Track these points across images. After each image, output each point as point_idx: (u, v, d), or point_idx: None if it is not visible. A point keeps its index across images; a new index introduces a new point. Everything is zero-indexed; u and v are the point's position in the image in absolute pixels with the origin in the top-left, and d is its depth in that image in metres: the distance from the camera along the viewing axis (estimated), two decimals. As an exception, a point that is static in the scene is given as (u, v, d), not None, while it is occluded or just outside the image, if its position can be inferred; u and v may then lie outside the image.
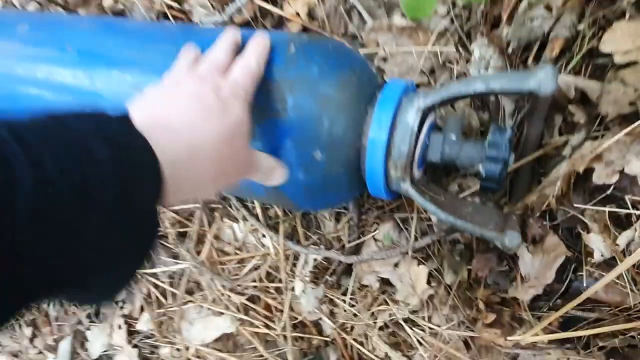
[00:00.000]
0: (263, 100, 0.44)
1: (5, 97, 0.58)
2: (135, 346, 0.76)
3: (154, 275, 0.73)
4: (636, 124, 0.43)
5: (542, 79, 0.41)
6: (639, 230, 0.45)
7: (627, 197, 0.47)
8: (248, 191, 0.56)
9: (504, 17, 0.52)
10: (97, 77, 0.51)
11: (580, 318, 0.47)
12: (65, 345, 0.81)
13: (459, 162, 0.47)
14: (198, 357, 0.71)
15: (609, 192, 0.47)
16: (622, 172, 0.46)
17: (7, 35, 0.61)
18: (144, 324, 0.75)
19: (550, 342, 0.42)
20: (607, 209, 0.47)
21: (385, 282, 0.59)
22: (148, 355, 0.76)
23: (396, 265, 0.58)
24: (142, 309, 0.75)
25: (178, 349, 0.72)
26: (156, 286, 0.73)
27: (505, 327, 0.46)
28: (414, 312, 0.55)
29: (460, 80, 0.44)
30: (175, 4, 0.71)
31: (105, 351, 0.79)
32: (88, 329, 0.80)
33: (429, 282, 0.54)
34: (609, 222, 0.46)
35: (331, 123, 0.44)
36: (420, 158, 0.46)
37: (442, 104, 0.45)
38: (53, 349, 0.83)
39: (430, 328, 0.54)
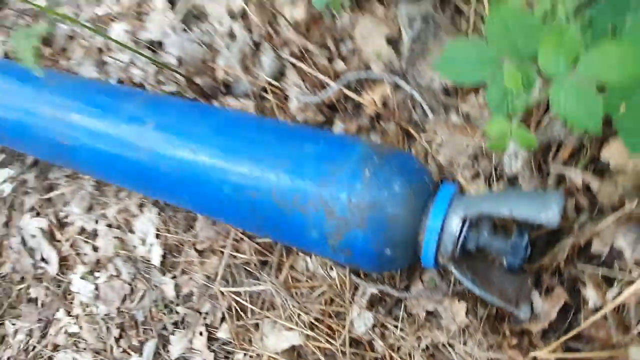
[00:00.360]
0: (345, 215, 0.64)
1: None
2: (212, 351, 0.93)
3: (237, 293, 0.91)
4: (620, 213, 0.62)
5: (549, 218, 0.58)
6: (623, 287, 0.63)
7: (615, 262, 0.65)
8: (321, 253, 0.76)
9: (532, 125, 0.72)
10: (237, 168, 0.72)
11: (579, 349, 0.64)
12: (151, 345, 0.98)
13: (489, 252, 0.66)
14: (268, 362, 0.87)
15: (602, 259, 0.66)
16: (612, 246, 0.65)
17: (135, 130, 0.82)
18: (223, 332, 0.92)
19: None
20: (600, 271, 0.65)
21: (429, 313, 0.77)
22: (223, 359, 0.93)
23: (439, 301, 0.76)
24: (222, 320, 0.93)
25: (251, 356, 0.89)
26: (237, 302, 0.91)
27: (524, 349, 0.64)
28: (452, 337, 0.73)
29: (492, 203, 0.63)
30: (274, 82, 0.92)
31: (183, 354, 0.96)
32: (172, 333, 0.97)
33: (466, 315, 0.72)
34: (601, 280, 0.65)
35: (399, 232, 0.64)
36: (461, 247, 0.65)
37: (478, 218, 0.65)
38: (137, 350, 1.00)
39: (465, 351, 0.71)
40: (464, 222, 0.64)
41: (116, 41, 0.92)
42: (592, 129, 0.40)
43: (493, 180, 0.73)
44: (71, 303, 1.10)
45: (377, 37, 0.82)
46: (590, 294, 0.65)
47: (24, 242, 1.17)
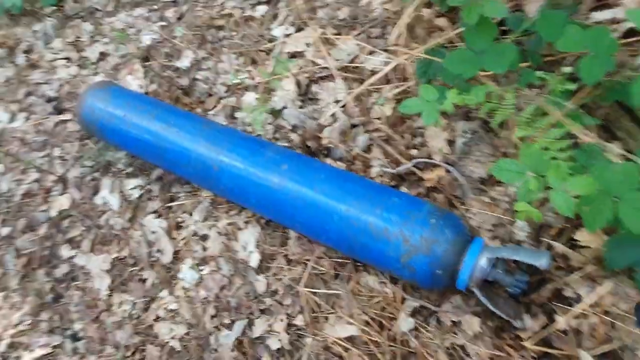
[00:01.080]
0: (416, 243, 1.05)
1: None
2: (288, 334, 1.29)
3: (314, 293, 1.29)
4: (582, 272, 1.03)
5: (542, 263, 1.00)
6: (580, 318, 1.03)
7: (576, 303, 1.05)
8: (387, 272, 1.16)
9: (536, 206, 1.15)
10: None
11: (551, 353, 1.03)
12: (240, 324, 1.33)
13: (501, 283, 1.06)
14: (331, 346, 1.23)
15: (570, 299, 1.06)
16: (576, 292, 1.05)
17: (273, 169, 1.24)
18: (299, 320, 1.28)
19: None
20: (571, 308, 1.05)
21: (454, 323, 1.15)
22: (294, 341, 1.28)
23: (461, 315, 1.14)
24: (300, 312, 1.29)
25: (318, 340, 1.25)
26: (314, 300, 1.28)
27: (516, 348, 1.02)
28: (468, 341, 1.11)
29: (508, 251, 1.05)
30: (363, 153, 1.36)
31: (264, 334, 1.31)
32: (258, 317, 1.33)
33: (480, 327, 1.10)
34: (567, 312, 1.04)
35: (448, 260, 1.05)
36: (485, 278, 1.06)
37: (498, 259, 1.06)
38: (228, 327, 1.35)
39: (475, 351, 1.09)
40: (489, 261, 1.05)
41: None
42: (569, 214, 0.83)
43: (506, 241, 1.15)
44: (175, 286, 1.45)
45: (440, 138, 1.27)
46: (559, 319, 1.04)
47: (144, 235, 1.54)
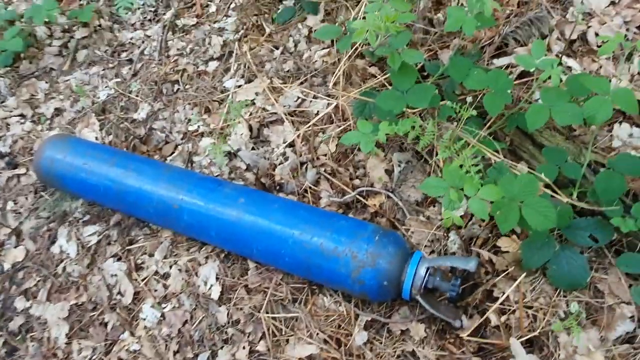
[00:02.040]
0: (363, 258, 1.19)
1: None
2: (250, 360, 1.35)
3: (275, 318, 1.37)
4: (506, 275, 1.20)
5: (471, 266, 1.17)
6: (508, 314, 1.18)
7: (505, 303, 1.21)
8: (340, 289, 1.28)
9: (465, 223, 1.32)
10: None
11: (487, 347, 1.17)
12: (203, 357, 1.37)
13: (440, 290, 1.21)
14: (292, 367, 1.30)
15: (498, 298, 1.21)
16: (503, 292, 1.21)
17: (231, 203, 1.36)
18: (261, 346, 1.35)
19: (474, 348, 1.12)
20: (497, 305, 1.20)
21: (402, 332, 1.27)
22: (257, 366, 1.34)
23: (409, 324, 1.26)
24: (261, 338, 1.36)
25: (280, 362, 1.32)
26: (274, 325, 1.36)
27: (457, 346, 1.15)
28: (415, 345, 1.23)
29: (443, 260, 1.21)
30: (313, 186, 1.50)
31: (227, 363, 1.36)
32: (221, 347, 1.38)
33: (425, 331, 1.23)
34: (497, 309, 1.20)
35: (392, 272, 1.19)
36: (425, 285, 1.20)
37: (434, 264, 1.21)
38: (196, 356, 1.39)
39: (423, 354, 1.21)
40: (427, 270, 1.19)
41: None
42: (483, 217, 1.00)
43: (442, 253, 1.30)
44: (136, 327, 1.48)
45: (379, 168, 1.44)
46: (493, 317, 1.19)
47: (104, 279, 1.57)
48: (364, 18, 1.12)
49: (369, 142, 1.15)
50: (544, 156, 1.21)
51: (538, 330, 1.15)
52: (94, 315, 1.54)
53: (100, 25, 2.15)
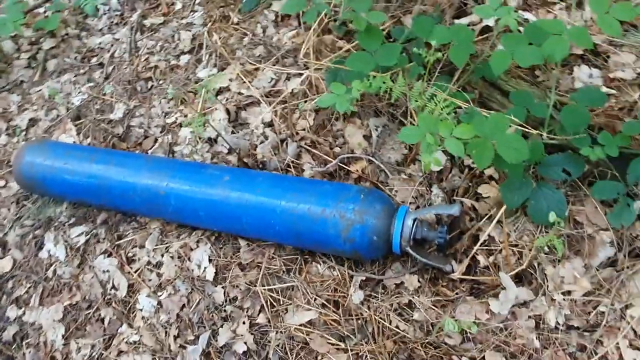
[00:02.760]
0: (351, 216, 1.22)
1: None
2: (252, 334, 1.36)
3: (271, 290, 1.38)
4: (490, 219, 1.25)
5: (455, 210, 1.21)
6: (496, 254, 1.22)
7: (491, 243, 1.25)
8: (332, 252, 1.31)
9: (445, 176, 1.37)
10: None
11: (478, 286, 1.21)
12: (204, 336, 1.38)
13: (429, 239, 1.25)
14: (294, 334, 1.32)
15: (485, 241, 1.26)
16: (488, 234, 1.26)
17: (216, 182, 1.38)
18: (261, 319, 1.36)
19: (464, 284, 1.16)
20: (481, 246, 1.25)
21: (397, 285, 1.30)
22: (259, 339, 1.35)
23: (402, 277, 1.30)
24: (260, 311, 1.38)
25: (282, 332, 1.33)
26: (271, 297, 1.38)
27: (450, 289, 1.19)
28: (411, 295, 1.26)
29: (427, 210, 1.25)
30: (296, 160, 1.53)
31: (229, 340, 1.37)
32: (221, 326, 1.39)
33: (418, 281, 1.26)
34: (485, 252, 1.24)
35: (380, 226, 1.22)
36: (413, 236, 1.24)
37: (420, 215, 1.25)
38: (193, 342, 1.39)
39: (419, 301, 1.24)
40: (414, 221, 1.23)
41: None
42: (460, 154, 1.04)
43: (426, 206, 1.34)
44: (134, 318, 1.48)
45: (357, 135, 1.48)
46: (481, 258, 1.23)
47: (96, 276, 1.57)
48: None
49: (344, 102, 1.19)
50: (512, 100, 1.27)
51: (525, 264, 1.19)
52: (89, 313, 1.53)
53: (67, 34, 2.16)
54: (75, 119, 1.93)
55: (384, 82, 1.15)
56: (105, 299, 1.53)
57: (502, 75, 1.35)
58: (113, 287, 1.54)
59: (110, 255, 1.60)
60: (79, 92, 2.00)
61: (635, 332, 1.12)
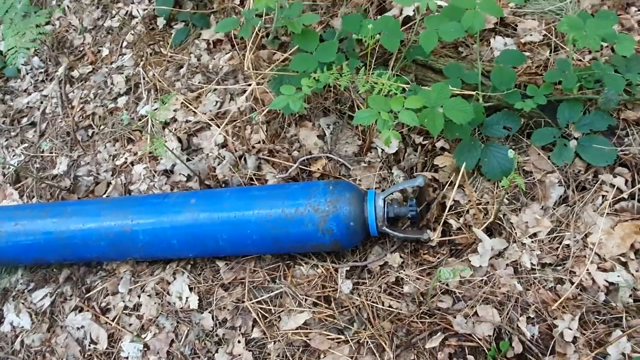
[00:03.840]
0: (325, 208, 1.26)
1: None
2: (249, 350, 1.33)
3: (260, 302, 1.37)
4: (451, 185, 1.33)
5: (419, 182, 1.29)
6: (465, 216, 1.30)
7: (456, 205, 1.33)
8: (313, 248, 1.33)
9: (402, 157, 1.44)
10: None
11: (456, 247, 1.28)
12: (201, 365, 1.33)
13: (401, 215, 1.31)
14: (292, 339, 1.31)
15: (451, 206, 1.34)
16: (455, 200, 1.34)
17: (183, 208, 1.37)
18: (255, 333, 1.34)
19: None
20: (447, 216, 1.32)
21: (381, 266, 1.34)
22: (258, 354, 1.33)
23: (384, 257, 1.34)
24: (253, 326, 1.36)
25: (279, 340, 1.32)
26: (262, 308, 1.36)
27: (431, 254, 1.25)
28: (396, 271, 1.30)
29: (394, 188, 1.32)
30: (257, 172, 1.55)
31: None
32: (216, 351, 1.35)
33: (400, 257, 1.31)
34: (454, 215, 1.32)
35: (354, 212, 1.27)
36: (387, 215, 1.29)
37: (389, 195, 1.32)
38: (189, 375, 1.34)
39: (405, 274, 1.29)
40: (384, 201, 1.29)
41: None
42: (415, 124, 1.12)
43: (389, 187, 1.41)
44: (121, 368, 1.40)
45: (312, 136, 1.54)
46: (452, 222, 1.31)
47: (70, 335, 1.47)
48: None
49: (297, 101, 1.24)
50: (445, 73, 1.38)
51: (492, 217, 1.28)
52: (70, 375, 1.43)
53: (-11, 100, 2.06)
54: (15, 183, 1.83)
55: (330, 75, 1.22)
56: (86, 356, 1.44)
57: (431, 57, 1.47)
58: (91, 341, 1.45)
59: (81, 310, 1.51)
60: (13, 155, 1.90)
61: (599, 255, 1.23)
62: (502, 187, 1.12)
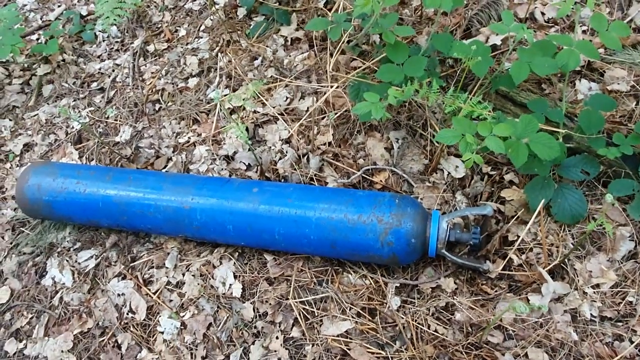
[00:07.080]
0: (389, 220, 1.25)
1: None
2: (286, 349, 1.32)
3: (304, 302, 1.36)
4: (516, 220, 1.30)
5: (488, 211, 1.27)
6: (527, 253, 1.27)
7: (521, 243, 1.31)
8: (368, 258, 1.32)
9: (467, 183, 1.42)
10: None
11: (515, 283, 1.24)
12: (236, 355, 1.32)
13: (462, 241, 1.29)
14: (331, 346, 1.29)
15: (514, 241, 1.31)
16: (517, 235, 1.31)
17: (245, 195, 1.38)
18: (295, 332, 1.33)
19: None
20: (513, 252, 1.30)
21: (432, 289, 1.31)
22: (294, 354, 1.31)
23: (437, 280, 1.31)
24: (293, 325, 1.34)
25: (318, 344, 1.30)
26: (305, 309, 1.35)
27: (489, 286, 1.22)
28: (448, 297, 1.27)
29: (460, 212, 1.30)
30: (318, 172, 1.55)
31: (263, 357, 1.32)
32: (252, 343, 1.34)
33: (455, 282, 1.28)
34: (516, 250, 1.29)
35: (417, 229, 1.25)
36: (448, 239, 1.27)
37: (452, 218, 1.30)
38: (227, 356, 1.33)
39: (458, 301, 1.26)
40: (447, 223, 1.27)
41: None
42: (501, 151, 1.10)
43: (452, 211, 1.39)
44: (154, 342, 1.40)
45: (379, 147, 1.53)
46: (513, 257, 1.28)
47: (110, 300, 1.48)
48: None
49: (379, 109, 1.23)
50: (529, 107, 1.36)
51: (558, 260, 1.25)
52: (103, 340, 1.43)
53: (64, 60, 2.12)
54: (76, 143, 1.87)
55: (419, 89, 1.21)
56: (122, 323, 1.44)
57: (514, 89, 1.46)
58: (130, 310, 1.46)
59: (124, 277, 1.52)
60: (79, 116, 1.95)
61: (663, 319, 1.19)
62: (583, 232, 1.09)
